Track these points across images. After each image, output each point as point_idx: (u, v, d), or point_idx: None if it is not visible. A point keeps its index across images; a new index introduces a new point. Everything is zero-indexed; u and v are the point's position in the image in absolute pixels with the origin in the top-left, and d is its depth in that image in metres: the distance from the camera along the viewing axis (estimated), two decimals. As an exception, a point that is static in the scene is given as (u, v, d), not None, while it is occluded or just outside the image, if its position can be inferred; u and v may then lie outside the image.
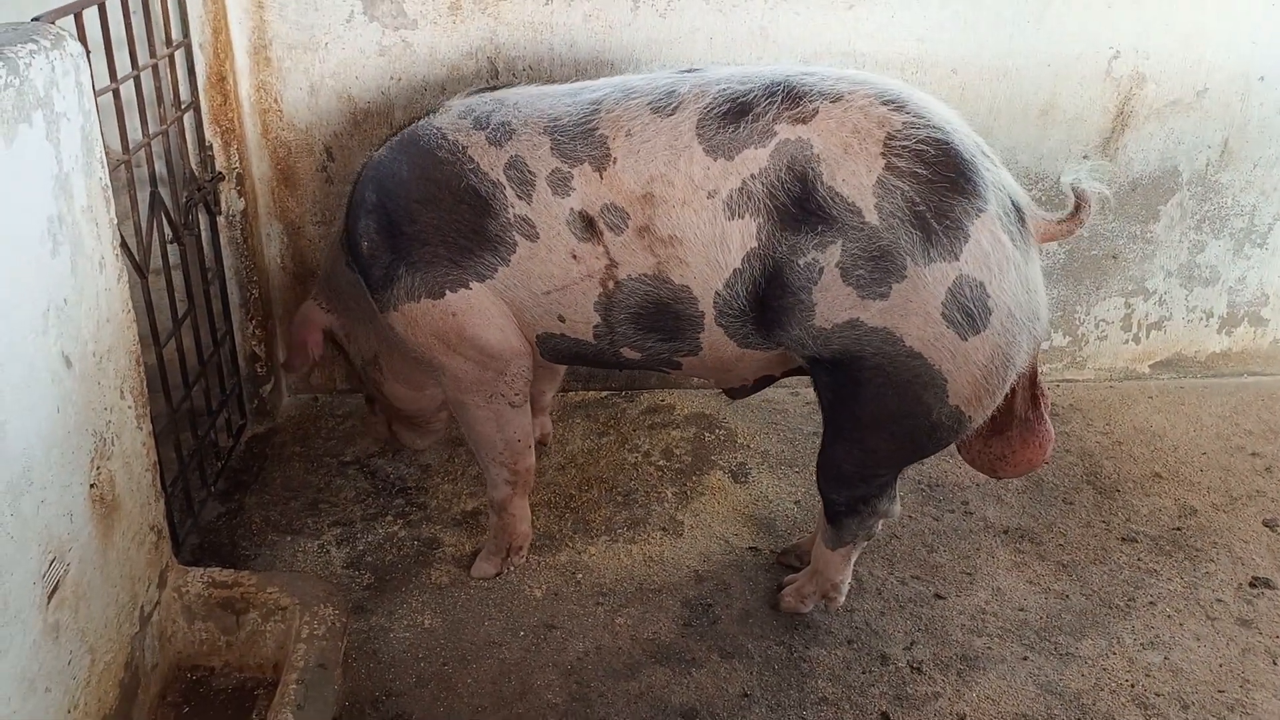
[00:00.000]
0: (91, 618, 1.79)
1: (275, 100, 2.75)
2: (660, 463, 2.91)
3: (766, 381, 2.31)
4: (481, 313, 2.14)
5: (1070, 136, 3.02)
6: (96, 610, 1.81)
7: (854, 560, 2.32)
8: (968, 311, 1.85)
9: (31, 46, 1.61)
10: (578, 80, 2.73)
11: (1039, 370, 2.11)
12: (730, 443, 2.99)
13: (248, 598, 2.14)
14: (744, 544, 2.60)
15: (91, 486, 1.79)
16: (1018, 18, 2.84)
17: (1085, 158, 3.04)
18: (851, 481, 2.13)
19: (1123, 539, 2.65)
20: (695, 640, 2.32)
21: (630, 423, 3.09)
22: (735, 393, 2.38)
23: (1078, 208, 1.93)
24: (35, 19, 1.82)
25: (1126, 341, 3.35)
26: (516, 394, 2.28)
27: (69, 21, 1.92)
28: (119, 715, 1.89)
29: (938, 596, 2.45)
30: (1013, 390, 2.04)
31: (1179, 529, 2.69)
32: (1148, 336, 3.35)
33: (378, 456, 2.90)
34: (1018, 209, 1.91)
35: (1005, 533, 2.66)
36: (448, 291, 2.12)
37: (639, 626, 2.35)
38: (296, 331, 2.46)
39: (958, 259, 1.83)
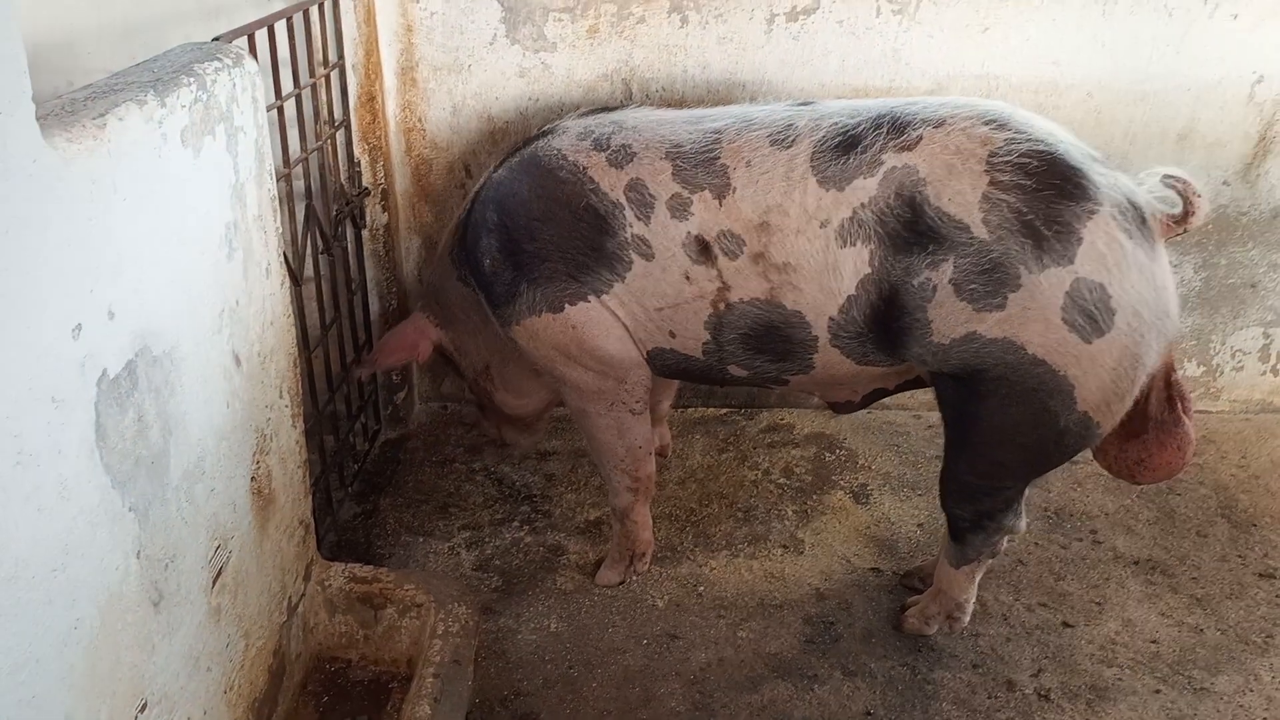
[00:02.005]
0: (247, 604, 1.89)
1: (419, 119, 2.87)
2: (780, 480, 2.92)
3: (876, 396, 2.31)
4: (600, 324, 2.21)
5: (1210, 162, 2.95)
6: (252, 597, 1.91)
7: (978, 580, 2.30)
8: (1089, 314, 1.85)
9: (216, 64, 1.72)
10: (709, 102, 2.81)
11: (1175, 369, 2.08)
12: (851, 463, 3.00)
13: (386, 593, 2.22)
14: (866, 564, 2.60)
15: (252, 479, 1.89)
16: (1156, 41, 2.80)
17: (1225, 184, 2.97)
18: (977, 495, 2.13)
19: (1260, 575, 2.57)
20: (817, 657, 2.32)
21: (750, 440, 3.11)
22: (841, 408, 2.38)
23: (1186, 199, 1.91)
24: (215, 39, 1.94)
25: (1264, 373, 3.25)
26: (637, 401, 2.34)
27: (242, 42, 2.05)
28: (267, 700, 1.98)
29: (1066, 625, 2.41)
30: (1146, 391, 2.02)
31: (1322, 567, 2.60)
32: (1287, 369, 3.25)
33: (504, 464, 2.99)
34: (1136, 208, 1.89)
35: (1135, 563, 2.60)
36: (567, 305, 2.20)
37: (761, 641, 2.37)
38: (409, 332, 2.56)
39: (1073, 262, 1.84)
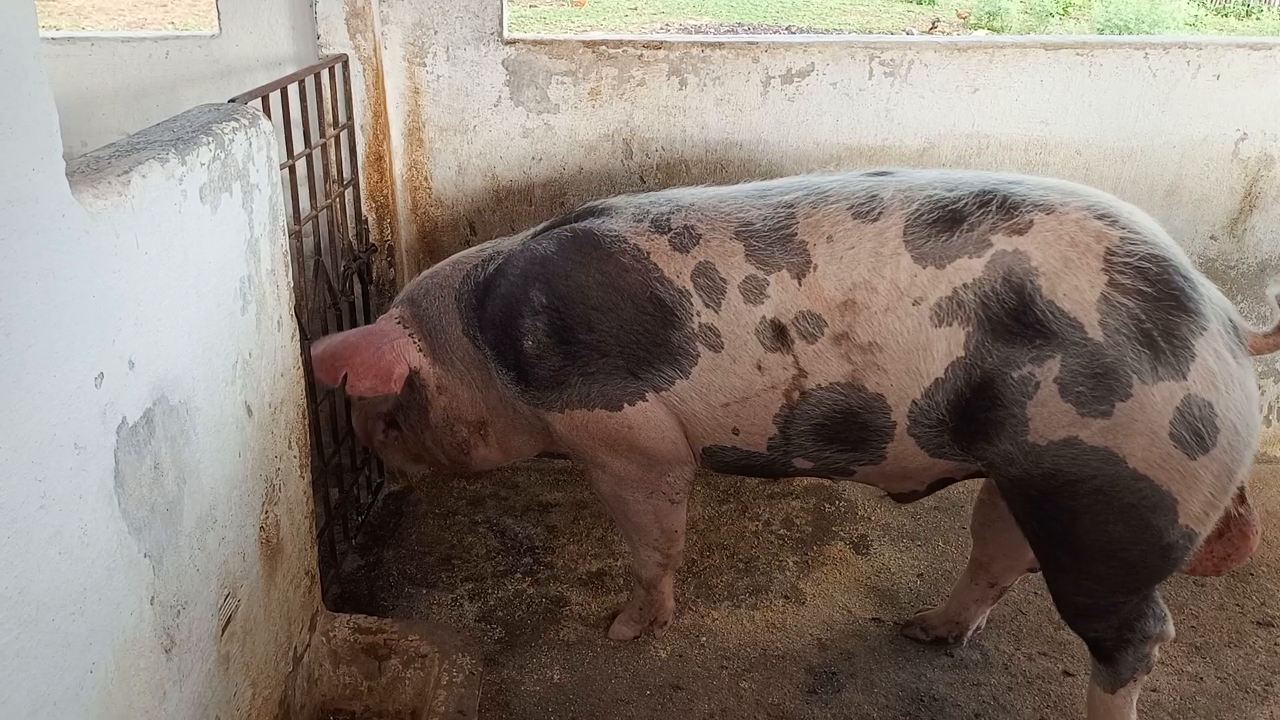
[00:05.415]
0: (254, 653, 1.91)
1: (425, 178, 2.94)
2: (781, 532, 2.95)
3: (941, 485, 2.19)
4: (657, 425, 2.12)
5: (1196, 217, 3.02)
6: (259, 646, 1.93)
7: (1134, 702, 2.10)
8: (1196, 431, 1.77)
9: (234, 125, 1.79)
10: (707, 161, 2.88)
11: None
12: (851, 514, 3.02)
13: (390, 644, 2.24)
14: (867, 614, 2.62)
15: (261, 529, 1.92)
16: (1142, 100, 2.89)
17: (1213, 238, 3.04)
18: (1101, 612, 2.00)
19: (1258, 623, 2.59)
20: (819, 708, 2.33)
21: (750, 491, 3.14)
22: (904, 497, 2.27)
23: None
24: (231, 100, 2.01)
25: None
26: (677, 493, 2.29)
27: (256, 103, 2.12)
28: (273, 749, 1.99)
29: (1066, 674, 2.42)
30: None
31: (1319, 616, 2.62)
32: (1280, 420, 3.29)
33: (506, 516, 3.01)
34: (1233, 324, 1.85)
35: (1135, 613, 2.62)
36: (626, 405, 2.10)
37: (763, 691, 2.38)
38: (386, 353, 2.26)
39: (1186, 378, 1.77)
